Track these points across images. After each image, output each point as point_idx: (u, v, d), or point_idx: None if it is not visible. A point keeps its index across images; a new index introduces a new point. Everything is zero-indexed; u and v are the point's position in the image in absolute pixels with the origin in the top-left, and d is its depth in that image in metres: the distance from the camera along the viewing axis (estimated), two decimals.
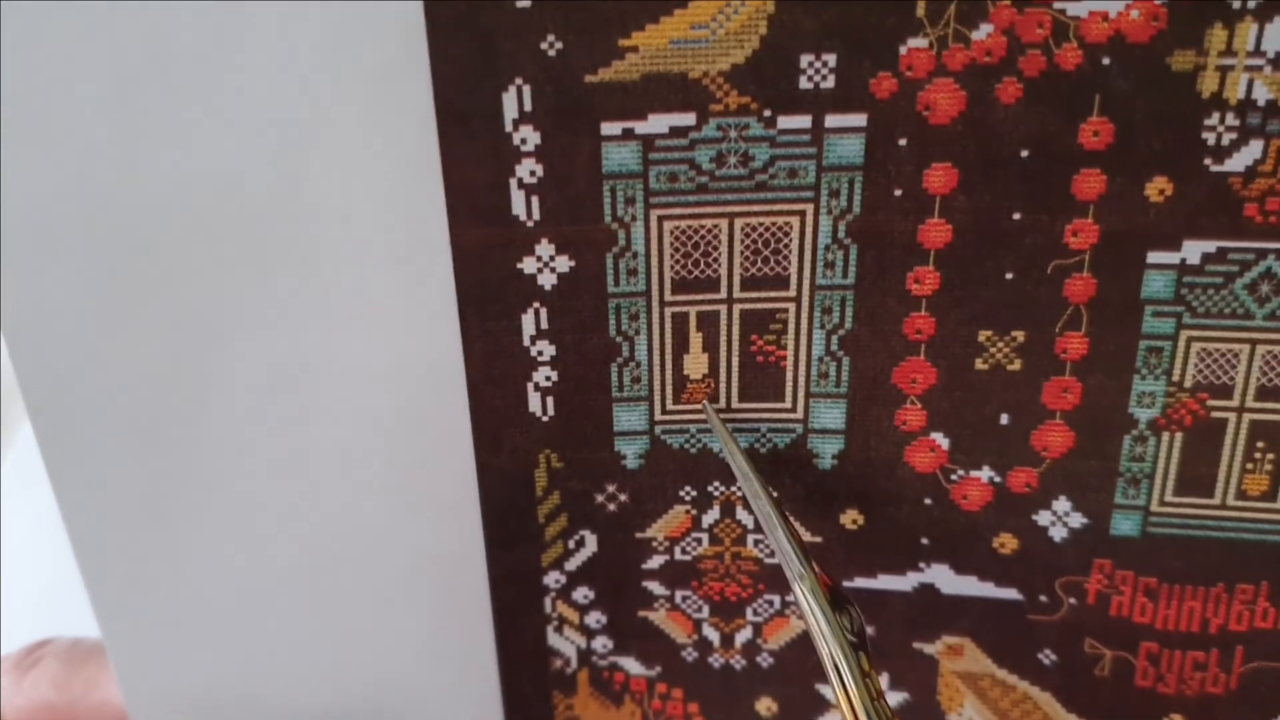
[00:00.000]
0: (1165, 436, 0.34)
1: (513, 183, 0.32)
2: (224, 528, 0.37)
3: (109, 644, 0.39)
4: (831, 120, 0.31)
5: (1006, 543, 0.36)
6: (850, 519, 0.36)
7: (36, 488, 0.39)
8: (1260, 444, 0.33)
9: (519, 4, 0.30)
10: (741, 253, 0.33)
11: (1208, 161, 0.30)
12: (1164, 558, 0.35)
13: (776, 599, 0.38)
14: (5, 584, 0.59)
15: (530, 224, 0.32)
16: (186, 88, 0.31)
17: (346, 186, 0.32)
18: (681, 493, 0.37)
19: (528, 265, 0.33)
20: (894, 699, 0.39)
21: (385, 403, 0.35)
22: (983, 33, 0.30)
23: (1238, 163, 0.30)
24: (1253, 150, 0.30)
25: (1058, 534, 0.35)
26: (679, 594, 0.38)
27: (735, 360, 0.35)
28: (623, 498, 0.37)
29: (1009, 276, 0.32)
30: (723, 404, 0.35)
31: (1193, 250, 0.32)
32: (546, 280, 0.33)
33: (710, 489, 0.37)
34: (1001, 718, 0.38)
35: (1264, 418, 0.33)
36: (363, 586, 0.38)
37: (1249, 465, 0.34)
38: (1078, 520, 0.35)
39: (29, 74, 0.31)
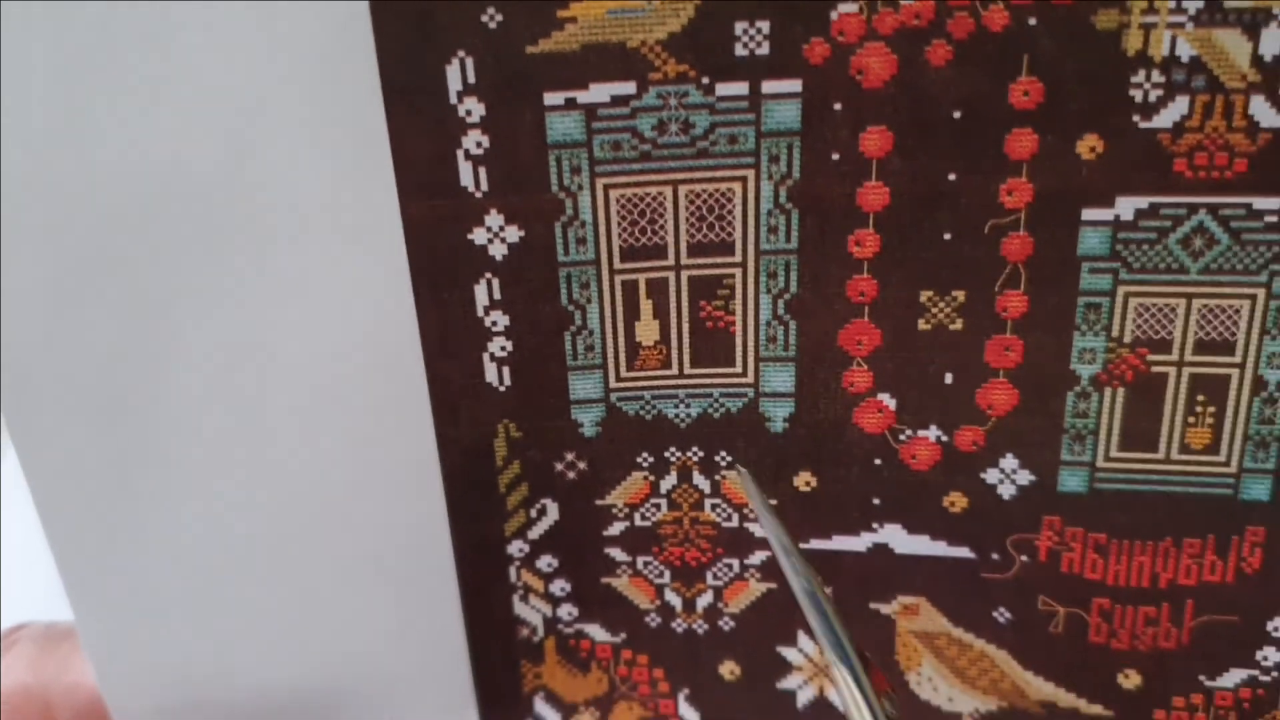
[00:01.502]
0: (1107, 392, 0.34)
1: (459, 154, 0.33)
2: (189, 508, 0.38)
3: (80, 625, 0.40)
4: (768, 86, 0.32)
5: (956, 501, 0.37)
6: (803, 481, 0.37)
7: None
8: (1200, 397, 0.34)
9: None
10: (687, 219, 0.34)
11: (1136, 118, 0.31)
12: (1112, 513, 0.36)
13: (735, 563, 0.39)
14: None
15: (479, 195, 0.33)
16: (134, 70, 0.32)
17: (296, 164, 0.32)
18: (639, 459, 0.37)
19: (478, 236, 0.34)
20: None
21: (343, 378, 0.35)
22: None
23: (1165, 119, 0.31)
24: (1179, 106, 0.31)
25: (1006, 491, 0.36)
26: (640, 560, 0.39)
27: (686, 326, 0.35)
28: (581, 465, 0.37)
29: (947, 237, 0.33)
30: (675, 370, 0.36)
31: (1126, 207, 0.32)
32: (497, 250, 0.34)
33: (667, 455, 0.37)
34: (959, 676, 0.39)
35: (1203, 371, 0.34)
36: (329, 561, 0.39)
37: (1190, 419, 0.35)
38: (1025, 477, 0.36)
39: None
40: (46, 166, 0.33)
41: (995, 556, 0.37)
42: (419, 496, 0.37)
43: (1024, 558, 0.37)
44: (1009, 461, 0.36)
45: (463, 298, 0.34)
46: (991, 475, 0.36)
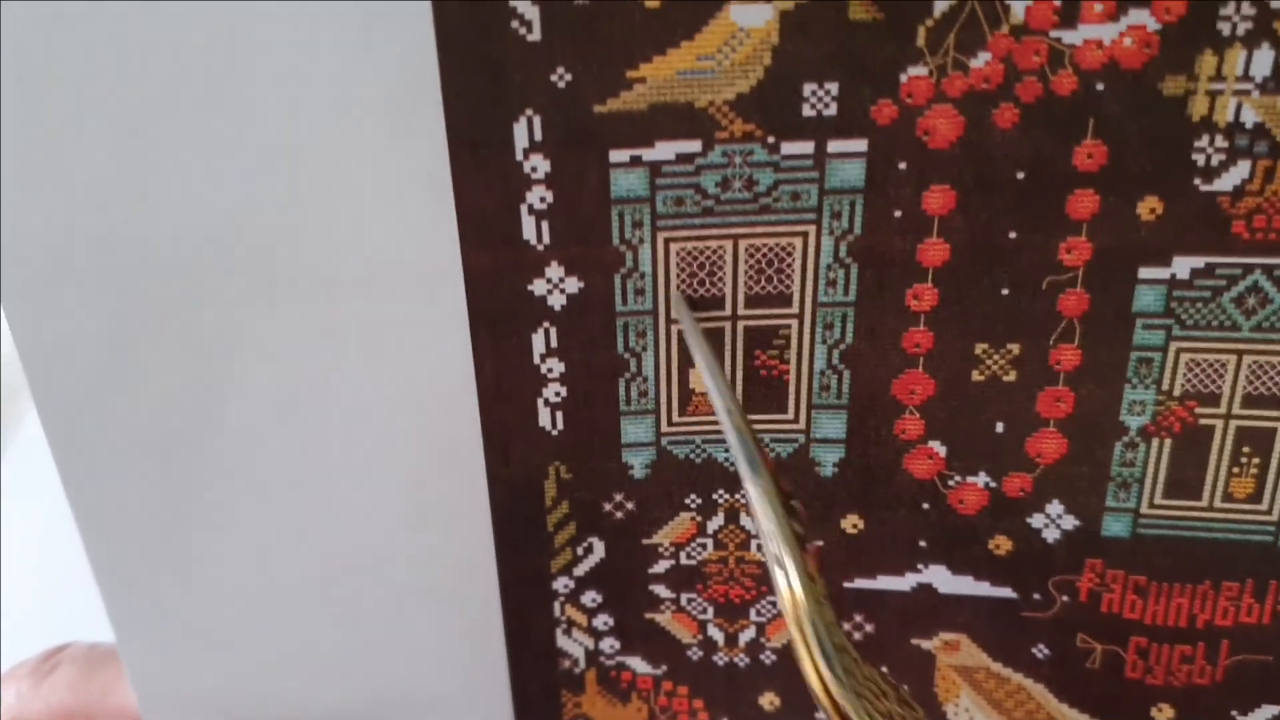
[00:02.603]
0: (1155, 443, 0.35)
1: (523, 208, 0.33)
2: (237, 536, 0.38)
3: (123, 650, 0.40)
4: (833, 146, 0.32)
5: (1001, 544, 0.37)
6: (850, 523, 0.38)
7: (37, 491, 0.39)
8: (1246, 449, 0.35)
9: (529, 38, 0.30)
10: (746, 272, 0.34)
11: (1197, 181, 0.31)
12: (1153, 557, 0.37)
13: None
14: (9, 588, 0.60)
15: (540, 247, 0.33)
16: (201, 115, 0.31)
17: (360, 211, 0.32)
18: (687, 500, 0.38)
19: (538, 287, 0.34)
20: None
21: (399, 417, 0.36)
22: (981, 61, 0.30)
23: (1226, 182, 0.32)
24: (1240, 170, 0.31)
25: (1050, 535, 0.37)
26: (684, 597, 0.40)
27: (740, 374, 0.36)
28: (630, 506, 0.38)
29: (1005, 292, 0.34)
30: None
31: (1182, 266, 0.33)
32: (556, 301, 0.34)
33: (715, 497, 0.38)
34: (996, 708, 0.40)
35: (1250, 424, 0.34)
36: (376, 594, 0.39)
37: (1235, 469, 0.35)
38: (1070, 522, 0.37)
39: (40, 103, 0.31)
40: (111, 214, 0.32)
41: (1037, 597, 0.38)
42: (469, 532, 0.38)
43: (1065, 598, 0.38)
44: (1055, 507, 0.36)
45: (520, 345, 0.34)
46: (1037, 520, 0.37)
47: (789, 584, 0.27)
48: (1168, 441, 0.35)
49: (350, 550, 0.39)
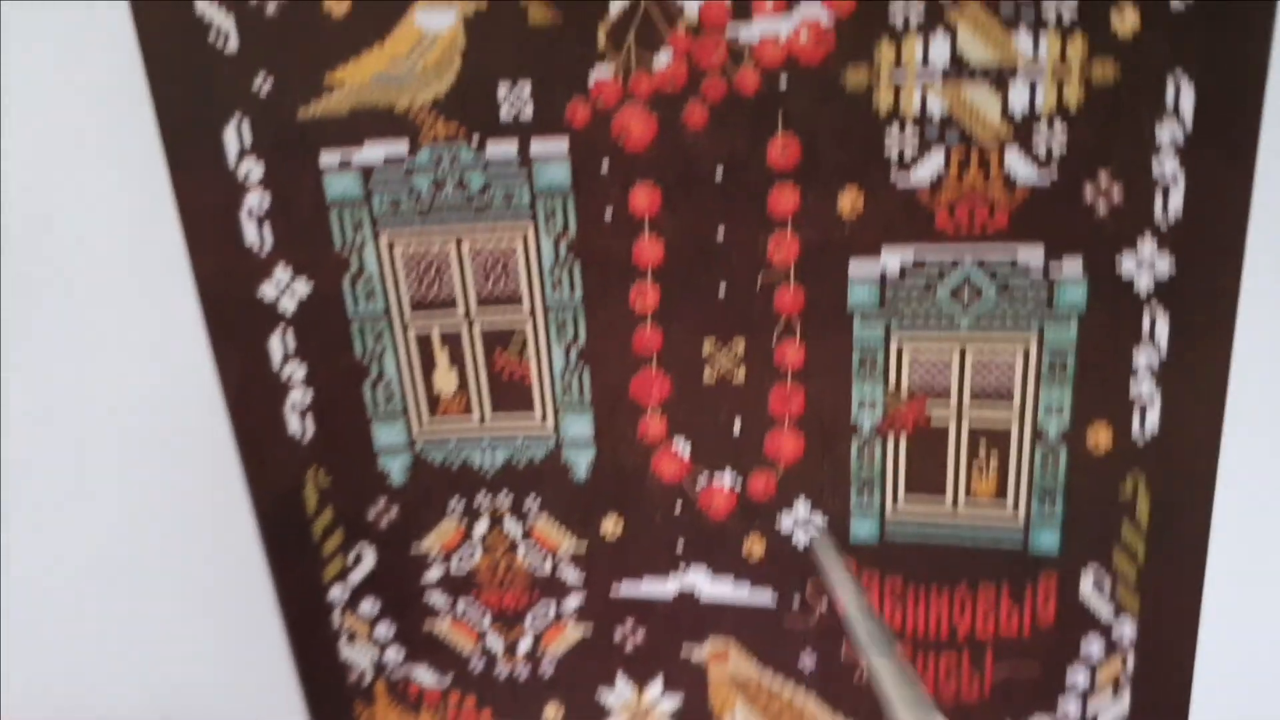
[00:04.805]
0: (890, 440, 0.35)
1: (242, 213, 0.34)
2: (18, 551, 0.39)
3: None
4: (535, 147, 0.33)
5: (754, 550, 0.37)
6: (609, 527, 0.38)
7: None
8: (983, 446, 0.35)
9: (228, 47, 0.32)
10: (473, 273, 0.35)
11: (894, 173, 0.32)
12: (905, 560, 0.36)
13: (552, 606, 0.40)
14: None
15: (264, 251, 0.34)
16: None
17: (86, 223, 0.34)
18: (450, 505, 0.38)
19: (267, 291, 0.35)
20: (668, 703, 0.40)
21: (156, 430, 0.37)
22: (663, 61, 0.32)
23: (923, 174, 0.32)
24: (935, 161, 0.32)
25: (801, 537, 0.37)
26: (460, 604, 0.40)
27: (483, 375, 0.36)
28: (394, 512, 0.38)
29: (723, 290, 0.34)
30: (477, 417, 0.37)
31: (891, 260, 0.33)
32: (288, 304, 0.35)
33: (477, 502, 0.38)
34: None
35: (984, 422, 0.34)
36: (160, 608, 0.40)
37: (975, 467, 0.35)
38: (818, 522, 0.37)
39: None
40: None
41: (797, 601, 0.38)
42: (237, 544, 0.38)
43: (825, 603, 0.37)
44: (802, 508, 0.36)
45: (259, 350, 0.35)
46: (786, 521, 0.37)
47: None
48: (903, 439, 0.35)
49: (129, 566, 0.40)
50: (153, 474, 0.36)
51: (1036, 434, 0.34)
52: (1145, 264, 0.32)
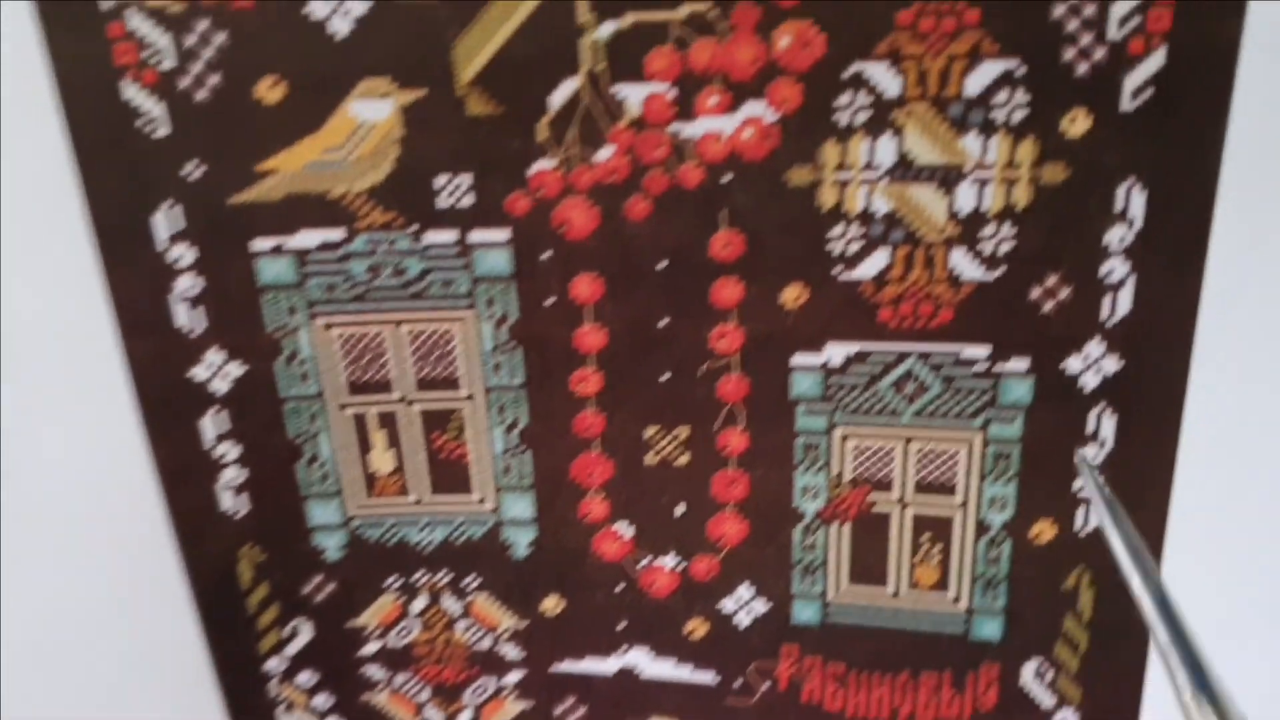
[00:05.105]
0: (834, 528, 0.35)
1: (172, 296, 0.33)
2: None
3: None
4: (475, 235, 0.32)
5: (696, 629, 0.37)
6: (550, 605, 0.38)
7: None
8: (926, 536, 0.35)
9: (158, 133, 0.31)
10: (411, 356, 0.34)
11: (837, 269, 0.32)
12: (848, 645, 0.36)
13: (492, 682, 0.39)
14: None
15: (196, 334, 0.34)
16: None
17: (20, 309, 0.33)
18: (386, 582, 0.38)
19: (198, 373, 0.34)
20: None
21: (90, 506, 0.36)
22: (605, 154, 0.31)
23: (867, 270, 0.32)
24: (879, 258, 0.31)
25: (744, 619, 0.37)
26: (399, 677, 0.39)
27: (421, 456, 0.36)
28: (330, 587, 0.38)
29: (665, 377, 0.34)
30: (415, 497, 0.36)
31: (835, 352, 0.33)
32: (220, 386, 0.34)
33: (415, 578, 0.38)
34: None
35: (926, 511, 0.34)
36: (97, 680, 0.39)
37: (917, 556, 0.35)
38: (761, 606, 0.36)
39: None
40: None
41: (739, 682, 0.37)
42: (173, 616, 0.38)
43: (766, 685, 0.37)
44: (744, 590, 0.36)
45: (190, 430, 0.35)
46: (728, 603, 0.36)
47: None
48: (846, 527, 0.35)
49: (59, 638, 0.39)
50: (87, 549, 0.35)
51: (980, 526, 0.34)
52: (1092, 363, 0.31)
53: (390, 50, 0.30)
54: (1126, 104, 0.28)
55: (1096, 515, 0.29)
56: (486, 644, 0.38)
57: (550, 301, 0.33)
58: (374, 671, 0.39)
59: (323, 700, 0.40)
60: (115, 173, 0.31)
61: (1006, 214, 0.30)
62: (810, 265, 0.31)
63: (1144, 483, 0.32)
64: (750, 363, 0.33)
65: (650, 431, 0.34)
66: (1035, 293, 0.31)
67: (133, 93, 0.30)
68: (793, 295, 0.32)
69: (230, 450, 0.35)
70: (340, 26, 0.30)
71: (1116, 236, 0.30)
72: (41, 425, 0.34)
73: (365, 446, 0.35)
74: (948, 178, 0.30)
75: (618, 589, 0.37)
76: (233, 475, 0.36)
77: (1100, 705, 0.35)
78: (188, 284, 0.33)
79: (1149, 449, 0.32)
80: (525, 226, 0.32)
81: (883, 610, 0.36)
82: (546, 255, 0.32)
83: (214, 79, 0.30)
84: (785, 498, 0.35)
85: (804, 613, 0.36)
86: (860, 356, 0.33)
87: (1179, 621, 0.24)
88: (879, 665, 0.36)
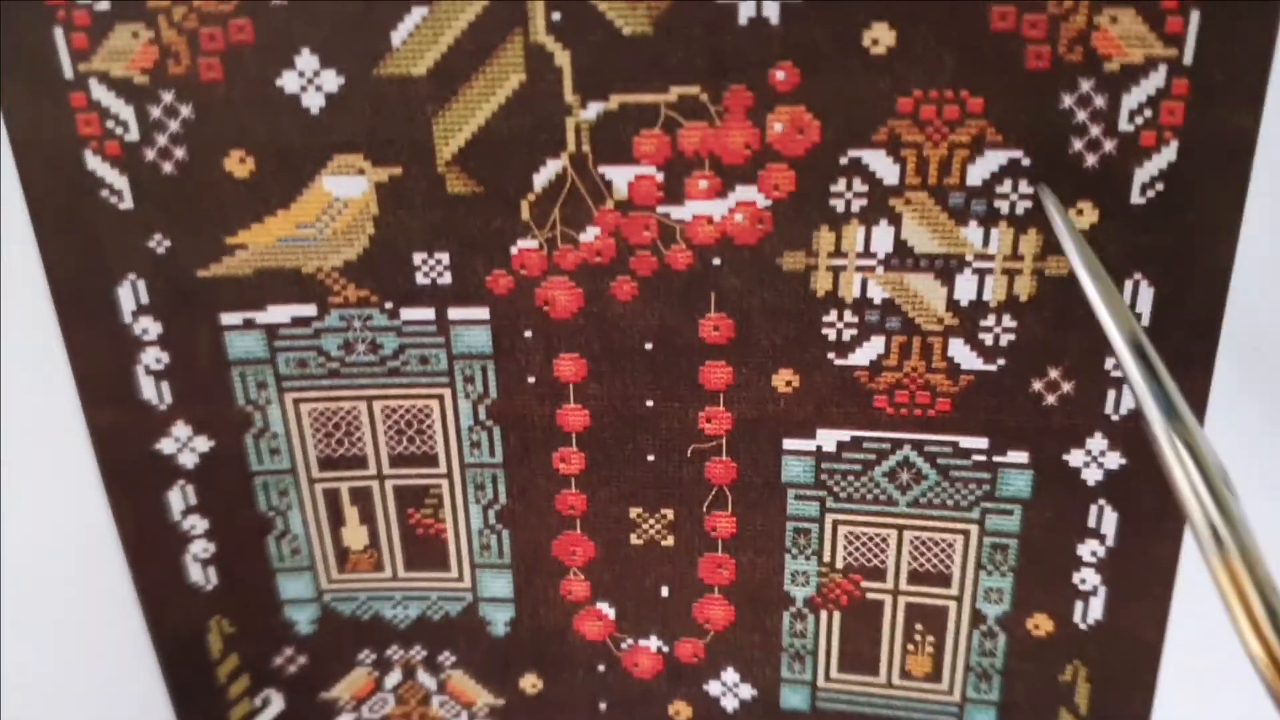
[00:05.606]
0: (824, 615, 0.34)
1: (138, 369, 0.32)
2: None
3: None
4: (454, 313, 0.31)
5: (680, 710, 0.36)
6: (529, 683, 0.36)
7: None
8: (919, 626, 0.33)
9: (121, 206, 0.30)
10: (386, 432, 0.33)
11: (831, 355, 0.30)
12: None
13: None
14: None
15: (163, 407, 0.32)
16: None
17: None
18: (360, 656, 0.36)
19: (166, 445, 0.33)
20: None
21: (57, 581, 0.35)
22: (590, 235, 0.29)
23: (861, 357, 0.30)
24: (875, 346, 0.30)
25: (729, 704, 0.35)
26: None
27: (396, 532, 0.34)
28: (302, 660, 0.36)
29: (651, 458, 0.32)
30: (389, 573, 0.35)
31: (828, 438, 0.31)
32: (188, 459, 0.33)
33: (389, 653, 0.36)
34: None
35: (919, 600, 0.33)
36: None
37: (910, 646, 0.34)
38: (747, 691, 0.35)
39: None
40: None
41: None
42: (143, 688, 0.36)
43: None
44: (730, 675, 0.35)
45: (157, 503, 0.33)
46: (714, 687, 0.35)
47: None
48: (836, 614, 0.33)
49: (28, 713, 0.38)
50: (53, 619, 0.34)
51: (975, 616, 0.32)
52: (1095, 459, 0.30)
53: (365, 126, 0.28)
54: (1135, 197, 0.27)
55: (1063, 246, 0.27)
56: None
57: (531, 380, 0.31)
58: None
59: None
60: (77, 244, 0.30)
61: (1008, 305, 0.29)
62: (803, 350, 0.30)
63: (1145, 580, 0.31)
64: (740, 446, 0.32)
65: (635, 512, 0.33)
66: (1037, 385, 0.29)
67: (95, 164, 0.29)
68: (784, 380, 0.31)
69: (198, 523, 0.34)
70: (313, 101, 0.28)
71: None
72: (5, 498, 0.32)
73: (338, 522, 0.34)
74: (947, 267, 0.29)
75: (599, 668, 0.35)
76: (201, 548, 0.34)
77: None
78: (153, 357, 0.31)
79: (1151, 548, 0.30)
80: (506, 305, 0.30)
81: (874, 698, 0.34)
82: (528, 334, 0.31)
83: (180, 152, 0.29)
84: (775, 582, 0.33)
85: (792, 699, 0.35)
86: (854, 443, 0.31)
87: (1147, 352, 0.24)
88: None
